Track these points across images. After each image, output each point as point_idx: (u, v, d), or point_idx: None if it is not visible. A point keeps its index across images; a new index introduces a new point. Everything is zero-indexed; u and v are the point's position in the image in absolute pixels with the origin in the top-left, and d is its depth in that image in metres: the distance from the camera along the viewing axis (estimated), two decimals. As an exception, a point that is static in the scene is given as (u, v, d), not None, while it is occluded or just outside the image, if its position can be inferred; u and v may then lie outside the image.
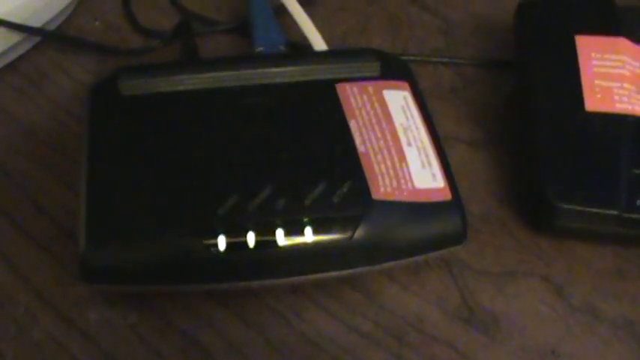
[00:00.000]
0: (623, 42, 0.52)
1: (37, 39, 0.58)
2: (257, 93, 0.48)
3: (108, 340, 0.44)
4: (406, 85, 0.49)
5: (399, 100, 0.48)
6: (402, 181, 0.44)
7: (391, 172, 0.44)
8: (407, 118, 0.47)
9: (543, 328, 0.45)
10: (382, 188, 0.43)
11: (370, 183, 0.43)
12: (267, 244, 0.41)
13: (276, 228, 0.42)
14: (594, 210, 0.46)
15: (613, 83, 0.50)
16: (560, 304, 0.46)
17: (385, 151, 0.45)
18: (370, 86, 0.48)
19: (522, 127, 0.52)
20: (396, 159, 0.45)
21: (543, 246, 0.48)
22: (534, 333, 0.45)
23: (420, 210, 0.43)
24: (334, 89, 0.48)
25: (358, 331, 0.44)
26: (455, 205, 0.44)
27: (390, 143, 0.45)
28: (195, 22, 0.60)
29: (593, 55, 0.51)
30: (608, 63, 0.51)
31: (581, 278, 0.47)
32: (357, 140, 0.45)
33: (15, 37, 0.56)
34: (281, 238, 0.41)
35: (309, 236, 0.42)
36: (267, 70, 0.49)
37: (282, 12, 0.57)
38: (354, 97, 0.47)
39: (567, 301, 0.46)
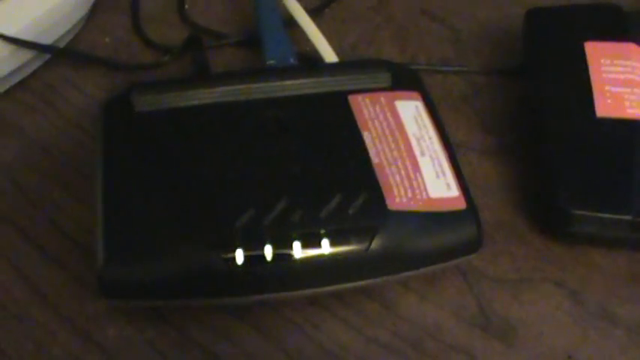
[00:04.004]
0: (632, 47, 0.52)
1: (47, 56, 0.59)
2: (269, 106, 0.48)
3: (126, 356, 0.44)
4: (417, 95, 0.49)
5: (411, 110, 0.48)
6: (417, 191, 0.44)
7: (406, 182, 0.44)
8: (419, 128, 0.47)
9: (559, 334, 0.45)
10: (397, 199, 0.43)
11: (385, 194, 0.44)
12: (284, 256, 0.42)
13: (293, 241, 0.42)
14: (607, 215, 0.46)
15: (623, 89, 0.50)
16: (575, 310, 0.46)
17: (399, 162, 0.45)
18: (382, 97, 0.48)
19: (534, 133, 0.53)
20: (410, 169, 0.45)
21: (557, 252, 0.48)
22: (551, 339, 0.45)
23: (436, 219, 0.44)
24: (346, 101, 0.48)
25: (376, 341, 0.45)
26: (470, 213, 0.44)
27: (404, 153, 0.46)
28: (205, 36, 0.61)
29: (602, 61, 0.52)
30: (618, 69, 0.51)
31: (595, 283, 0.47)
32: (371, 151, 0.46)
33: (26, 55, 0.56)
34: (298, 250, 0.42)
35: (325, 248, 0.42)
36: (278, 83, 0.49)
37: (292, 24, 0.57)
38: (366, 108, 0.48)
39: (583, 307, 0.46)
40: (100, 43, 0.61)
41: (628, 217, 0.46)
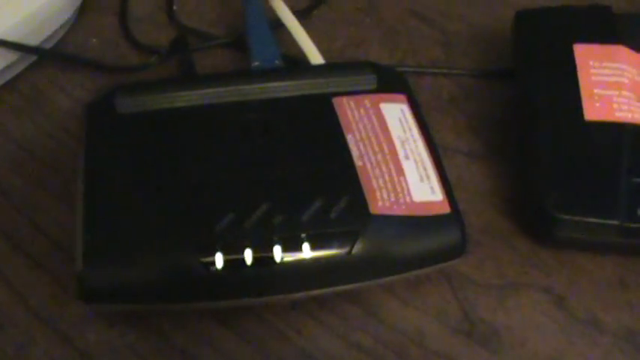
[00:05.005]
0: (621, 50, 0.52)
1: (33, 57, 0.58)
2: (254, 108, 0.47)
3: (107, 360, 0.44)
4: (403, 97, 0.49)
5: (396, 113, 0.48)
6: (400, 195, 0.43)
7: (389, 185, 0.44)
8: (404, 131, 0.47)
9: (545, 340, 0.45)
10: (380, 202, 0.43)
11: (368, 197, 0.43)
12: (264, 260, 0.41)
13: (274, 245, 0.41)
14: (594, 220, 0.46)
15: (612, 92, 0.50)
16: (561, 316, 0.46)
17: (383, 165, 0.45)
18: (367, 99, 0.48)
19: (521, 137, 0.52)
20: (393, 172, 0.44)
21: (544, 257, 0.48)
22: (536, 345, 0.44)
23: (419, 224, 0.43)
24: (331, 103, 0.48)
25: (358, 346, 0.44)
26: (454, 218, 0.44)
27: (388, 157, 0.45)
28: (191, 38, 0.60)
29: (591, 63, 0.51)
30: (607, 71, 0.51)
31: (582, 289, 0.47)
32: (355, 154, 0.45)
33: (12, 56, 0.56)
34: (279, 254, 0.41)
35: (307, 252, 0.41)
36: (263, 85, 0.49)
37: (279, 26, 0.57)
38: (351, 110, 0.47)
39: (569, 313, 0.46)
40: (87, 45, 0.61)
41: (615, 222, 0.45)
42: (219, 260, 0.41)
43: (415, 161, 0.45)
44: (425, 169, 0.45)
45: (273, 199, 0.43)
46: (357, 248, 0.42)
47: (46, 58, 0.59)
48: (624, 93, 0.49)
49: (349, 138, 0.46)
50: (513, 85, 0.56)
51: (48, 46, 0.59)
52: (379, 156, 0.45)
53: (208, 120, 0.47)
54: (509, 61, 0.56)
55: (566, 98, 0.50)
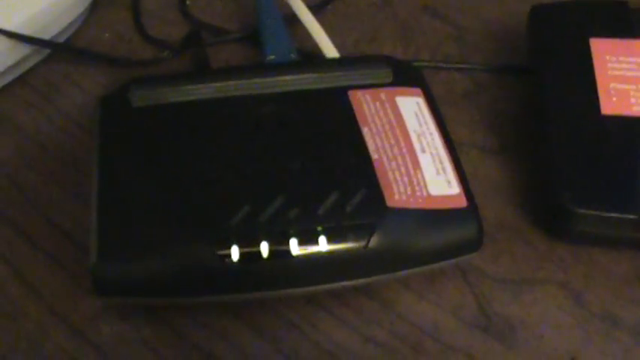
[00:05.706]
0: (638, 44, 0.51)
1: (47, 51, 0.58)
2: (269, 102, 0.47)
3: (120, 354, 0.43)
4: (419, 91, 0.49)
5: (412, 107, 0.47)
6: (417, 188, 0.43)
7: (405, 179, 0.43)
8: (420, 125, 0.46)
9: (561, 336, 0.44)
10: (396, 196, 0.43)
11: (384, 191, 0.43)
12: (280, 253, 0.41)
13: (290, 238, 0.41)
14: (611, 215, 0.45)
15: (629, 86, 0.49)
16: (578, 311, 0.45)
17: (399, 158, 0.44)
18: (383, 93, 0.48)
19: (537, 131, 0.52)
20: (410, 166, 0.44)
21: (560, 252, 0.48)
22: (552, 341, 0.44)
23: (435, 217, 0.43)
24: (346, 96, 0.48)
25: (374, 340, 0.44)
26: (470, 211, 0.44)
27: (404, 150, 0.45)
28: (205, 32, 0.60)
29: (608, 58, 0.51)
30: (623, 66, 0.50)
31: (599, 284, 0.46)
32: (371, 147, 0.45)
33: (25, 50, 0.56)
34: (295, 247, 0.41)
35: (323, 245, 0.41)
36: (278, 78, 0.48)
37: (294, 20, 0.57)
38: (366, 104, 0.47)
39: (586, 308, 0.45)
40: (100, 39, 0.61)
41: (633, 217, 0.45)
42: (235, 253, 0.41)
43: (431, 154, 0.45)
44: (441, 162, 0.45)
45: (288, 192, 0.42)
46: (374, 242, 0.42)
47: (59, 52, 0.59)
48: (641, 87, 0.49)
49: (365, 131, 0.46)
50: (528, 80, 0.55)
51: (61, 40, 0.59)
52: (395, 149, 0.45)
53: (223, 113, 0.47)
54: (524, 55, 0.56)
55: (582, 93, 0.50)
